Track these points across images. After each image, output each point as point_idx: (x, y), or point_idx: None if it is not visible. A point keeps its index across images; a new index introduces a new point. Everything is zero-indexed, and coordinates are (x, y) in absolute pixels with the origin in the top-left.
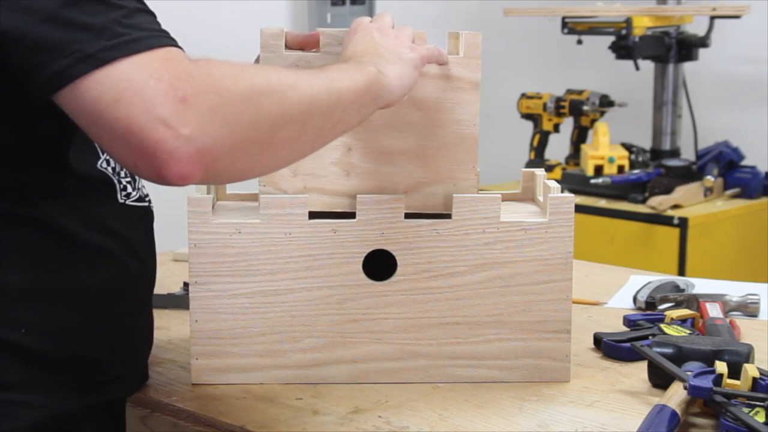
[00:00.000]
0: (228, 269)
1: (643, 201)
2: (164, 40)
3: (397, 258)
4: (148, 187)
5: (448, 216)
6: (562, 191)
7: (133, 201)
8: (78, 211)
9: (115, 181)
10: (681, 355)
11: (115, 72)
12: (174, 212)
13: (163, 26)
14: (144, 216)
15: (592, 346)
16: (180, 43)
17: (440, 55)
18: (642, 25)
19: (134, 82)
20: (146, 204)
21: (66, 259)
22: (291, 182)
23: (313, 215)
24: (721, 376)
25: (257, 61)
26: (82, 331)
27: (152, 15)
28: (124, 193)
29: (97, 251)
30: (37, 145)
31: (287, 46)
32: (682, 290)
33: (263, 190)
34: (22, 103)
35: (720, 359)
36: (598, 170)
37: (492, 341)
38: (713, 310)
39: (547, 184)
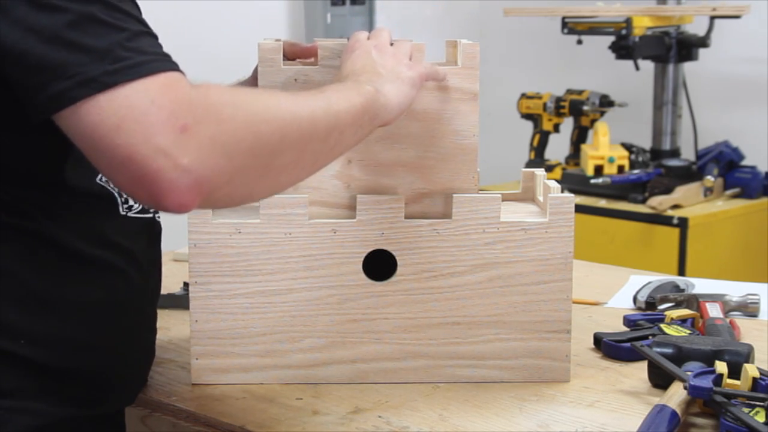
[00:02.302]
0: (228, 269)
1: (643, 201)
2: (166, 64)
3: (397, 258)
4: None
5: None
6: (562, 191)
7: (135, 213)
8: (78, 225)
9: (116, 194)
10: (681, 355)
11: (117, 97)
12: None
13: (162, 26)
14: (148, 227)
15: (592, 346)
16: (178, 43)
17: (437, 72)
18: (642, 25)
19: (135, 108)
20: (150, 215)
21: (67, 271)
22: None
23: None
24: (721, 376)
25: (255, 72)
26: (82, 344)
27: (155, 37)
28: (125, 205)
29: (98, 264)
30: (34, 161)
31: (285, 56)
32: (682, 290)
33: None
34: (20, 118)
35: (720, 359)
36: (598, 170)
37: (492, 341)
38: (713, 310)
39: (547, 184)
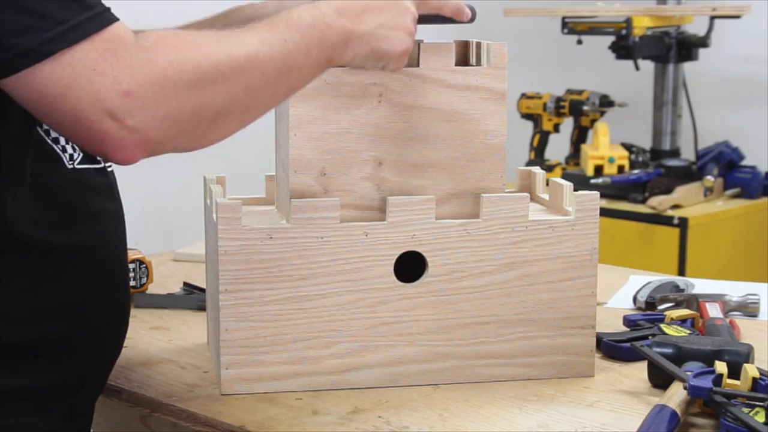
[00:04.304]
0: (259, 276)
1: (643, 201)
2: (103, 19)
3: (427, 259)
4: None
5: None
6: None
7: (81, 164)
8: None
9: (58, 150)
10: (681, 355)
11: (59, 66)
12: (174, 212)
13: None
14: (100, 179)
15: None
16: None
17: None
18: (642, 25)
19: (78, 76)
20: (100, 165)
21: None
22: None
23: None
24: (721, 376)
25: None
26: (39, 312)
27: None
28: (69, 158)
29: (50, 225)
30: None
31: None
32: (682, 290)
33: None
34: None
35: (720, 359)
36: (598, 170)
37: (520, 339)
38: (713, 310)
39: (556, 181)
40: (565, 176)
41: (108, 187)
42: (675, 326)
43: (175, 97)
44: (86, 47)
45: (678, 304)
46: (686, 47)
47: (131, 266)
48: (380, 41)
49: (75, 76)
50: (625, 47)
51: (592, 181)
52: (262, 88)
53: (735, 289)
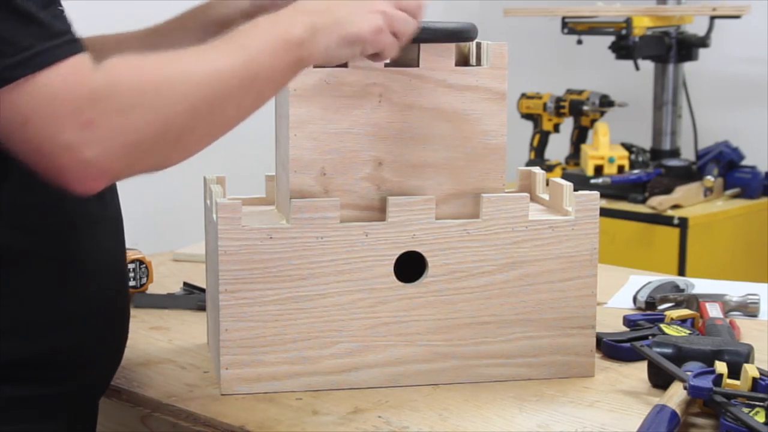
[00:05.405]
0: (259, 276)
1: (643, 201)
2: (66, 48)
3: (427, 259)
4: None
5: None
6: None
7: None
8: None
9: None
10: (681, 355)
11: (21, 93)
12: (174, 212)
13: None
14: None
15: None
16: None
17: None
18: (642, 25)
19: (39, 105)
20: None
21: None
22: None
23: None
24: (721, 376)
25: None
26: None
27: (55, 4)
28: None
29: (51, 229)
30: None
31: None
32: (682, 290)
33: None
34: None
35: (720, 359)
36: (598, 170)
37: (520, 339)
38: (713, 310)
39: (556, 181)
40: (565, 176)
41: (109, 192)
42: (675, 326)
43: (136, 121)
44: (50, 74)
45: (678, 304)
46: (686, 47)
47: (131, 266)
48: (347, 26)
49: (36, 105)
50: (625, 47)
51: (592, 181)
52: (226, 100)
53: (735, 289)
